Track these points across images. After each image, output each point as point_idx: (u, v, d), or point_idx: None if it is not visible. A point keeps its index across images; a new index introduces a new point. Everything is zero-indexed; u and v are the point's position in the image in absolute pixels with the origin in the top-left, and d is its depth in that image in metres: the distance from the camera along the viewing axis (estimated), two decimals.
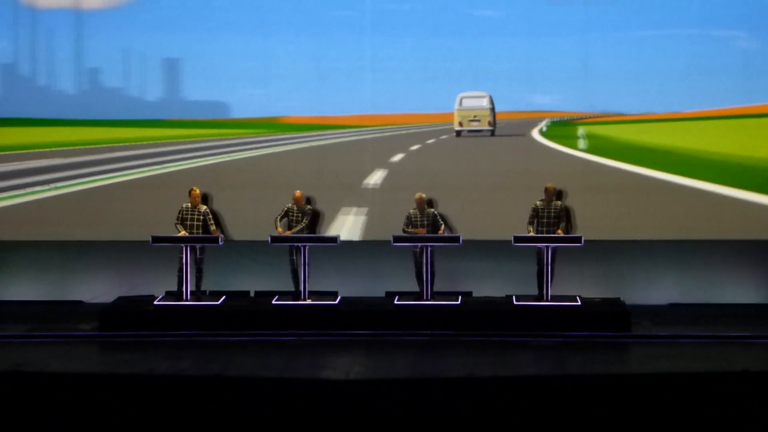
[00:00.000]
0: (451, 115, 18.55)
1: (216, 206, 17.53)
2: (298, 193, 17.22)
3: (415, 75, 18.09)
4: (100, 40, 18.14)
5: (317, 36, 18.00)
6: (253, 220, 17.58)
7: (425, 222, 17.05)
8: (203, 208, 17.07)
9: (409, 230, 16.99)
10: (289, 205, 17.25)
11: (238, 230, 17.67)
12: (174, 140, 18.72)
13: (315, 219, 17.55)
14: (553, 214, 16.96)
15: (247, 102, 18.38)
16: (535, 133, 18.84)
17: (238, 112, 18.46)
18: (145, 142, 18.74)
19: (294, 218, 17.21)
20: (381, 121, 18.50)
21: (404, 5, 18.14)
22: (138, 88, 18.27)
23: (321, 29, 17.97)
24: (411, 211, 17.10)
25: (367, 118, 18.39)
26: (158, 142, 18.72)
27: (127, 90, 18.29)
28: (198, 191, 17.08)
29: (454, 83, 18.18)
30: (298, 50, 18.05)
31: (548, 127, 18.78)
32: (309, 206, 17.38)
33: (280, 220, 17.23)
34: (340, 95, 18.20)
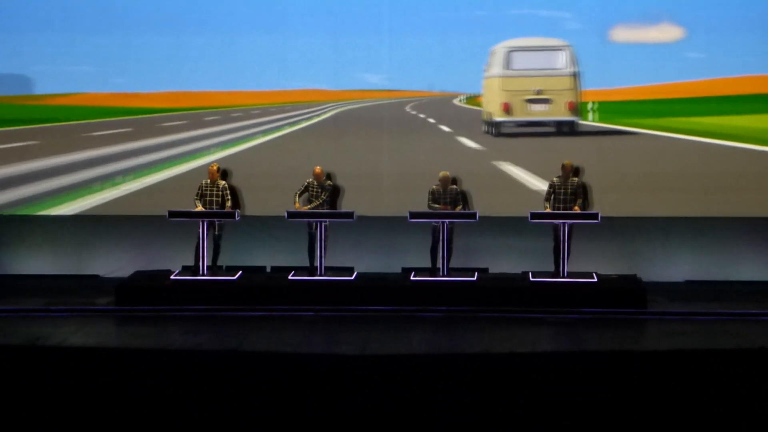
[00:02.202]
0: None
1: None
2: (317, 168, 17.17)
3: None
4: None
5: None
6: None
7: (447, 199, 17.02)
8: (222, 183, 17.08)
9: (433, 206, 16.98)
10: (310, 180, 17.22)
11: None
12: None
13: (335, 194, 17.52)
14: (570, 191, 16.92)
15: (53, 77, 17.59)
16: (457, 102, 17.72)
17: (41, 88, 17.78)
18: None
19: (314, 193, 17.19)
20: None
21: None
22: None
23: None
24: (434, 187, 17.07)
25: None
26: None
27: None
28: (215, 166, 17.09)
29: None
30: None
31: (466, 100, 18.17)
32: (329, 181, 17.35)
33: (300, 196, 17.20)
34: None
